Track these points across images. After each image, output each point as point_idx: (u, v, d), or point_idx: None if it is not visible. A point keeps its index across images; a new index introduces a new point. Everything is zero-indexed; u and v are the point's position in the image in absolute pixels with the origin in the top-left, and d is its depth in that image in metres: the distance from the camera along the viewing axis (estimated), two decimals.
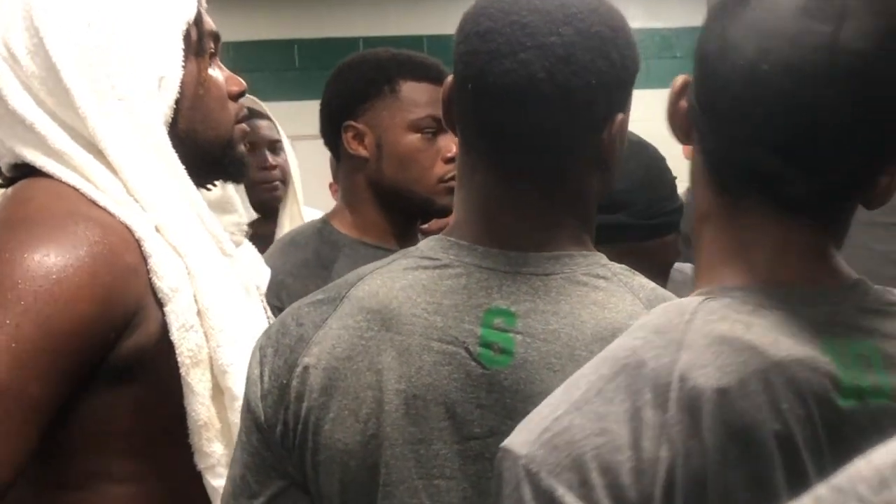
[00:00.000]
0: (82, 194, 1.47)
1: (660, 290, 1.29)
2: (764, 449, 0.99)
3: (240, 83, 1.68)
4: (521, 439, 1.02)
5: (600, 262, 1.29)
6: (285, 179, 3.43)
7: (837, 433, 1.02)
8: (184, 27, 1.56)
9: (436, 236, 1.32)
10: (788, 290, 1.08)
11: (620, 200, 1.76)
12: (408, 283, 1.27)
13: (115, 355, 1.42)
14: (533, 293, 1.24)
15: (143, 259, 1.44)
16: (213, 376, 1.48)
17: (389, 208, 2.34)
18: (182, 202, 1.54)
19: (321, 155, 3.49)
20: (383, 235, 2.33)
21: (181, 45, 1.55)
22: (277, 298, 2.12)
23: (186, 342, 1.45)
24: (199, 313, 1.48)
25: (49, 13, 1.49)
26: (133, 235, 1.44)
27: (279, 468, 1.30)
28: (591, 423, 1.00)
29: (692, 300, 1.08)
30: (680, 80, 1.15)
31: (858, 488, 0.48)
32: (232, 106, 1.66)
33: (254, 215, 3.34)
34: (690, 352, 1.02)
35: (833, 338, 1.05)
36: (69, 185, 1.47)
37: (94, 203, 1.46)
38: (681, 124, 1.15)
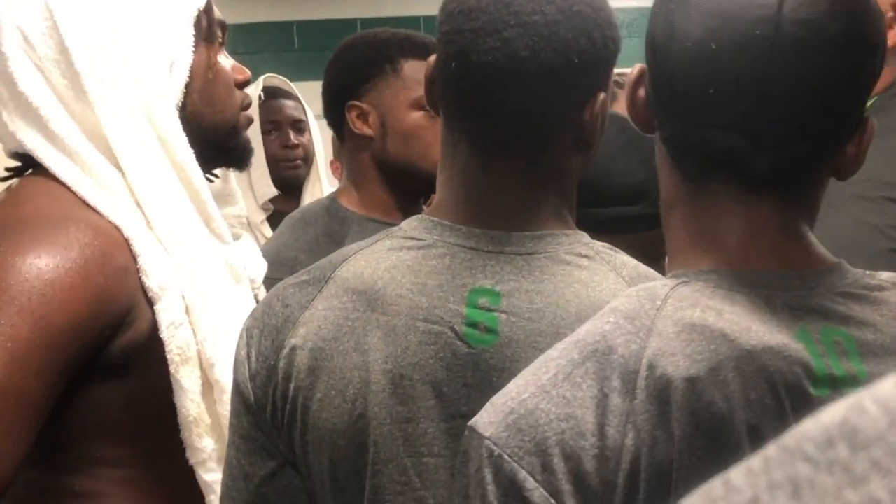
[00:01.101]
0: (74, 193, 1.46)
1: (642, 267, 1.27)
2: (732, 439, 0.96)
3: (245, 72, 1.69)
4: (487, 419, 1.00)
5: (582, 240, 1.28)
6: (308, 158, 3.45)
7: None
8: (195, 14, 1.57)
9: (418, 216, 1.32)
10: (761, 274, 1.04)
11: (642, 190, 1.74)
12: (392, 264, 1.26)
13: (109, 352, 1.42)
14: (517, 273, 1.23)
15: (133, 258, 1.44)
16: (203, 372, 1.48)
17: (395, 185, 2.33)
18: (181, 192, 1.53)
19: (321, 133, 3.50)
20: (389, 212, 2.32)
21: (192, 31, 1.56)
22: (292, 273, 2.10)
23: (175, 340, 1.45)
24: (186, 309, 1.47)
25: None
26: (122, 235, 1.44)
27: (271, 448, 1.29)
28: (557, 407, 0.98)
29: (664, 285, 1.05)
30: (636, 69, 1.12)
31: (805, 447, 0.47)
32: (238, 93, 1.67)
33: (274, 192, 3.36)
34: (660, 339, 0.99)
35: (807, 324, 1.01)
36: (62, 183, 1.47)
37: (85, 203, 1.46)
38: (641, 114, 1.13)
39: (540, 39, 1.20)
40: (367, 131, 2.31)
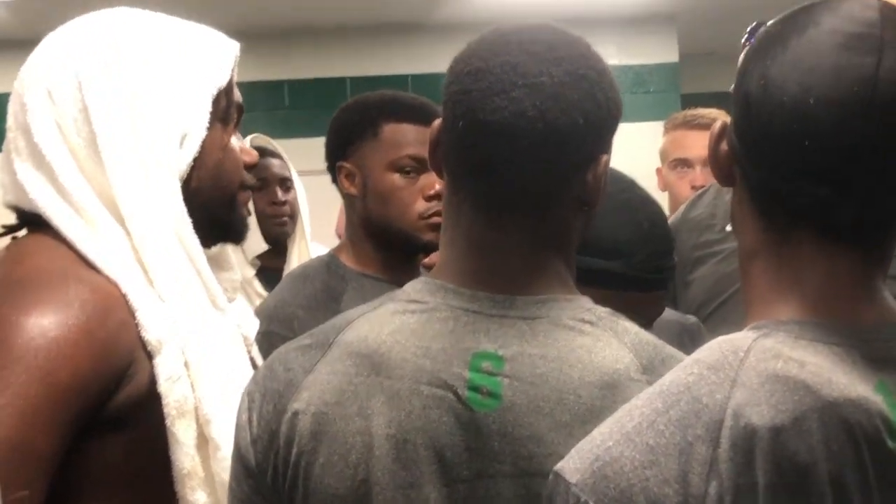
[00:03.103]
0: (73, 248, 1.45)
1: (643, 333, 1.25)
2: (816, 489, 0.97)
3: (253, 155, 1.69)
4: (573, 465, 1.01)
5: (585, 305, 1.25)
6: (294, 215, 3.49)
7: (887, 476, 0.99)
8: (214, 92, 1.57)
9: (422, 278, 1.29)
10: (841, 325, 1.06)
11: (622, 250, 1.71)
12: (396, 328, 1.23)
13: (111, 406, 1.39)
14: (520, 337, 1.20)
15: (132, 313, 1.43)
16: (199, 426, 1.46)
17: (382, 244, 2.34)
18: (181, 256, 1.52)
19: (309, 191, 3.49)
20: (383, 270, 2.33)
21: (209, 108, 1.56)
22: (290, 329, 2.12)
23: (173, 394, 1.43)
24: (186, 364, 1.45)
25: (91, 58, 1.50)
26: (120, 291, 1.43)
27: None
28: (641, 454, 0.98)
29: (746, 337, 1.06)
30: (718, 124, 1.15)
31: None
32: (243, 175, 1.67)
33: (264, 247, 3.37)
34: (744, 390, 1.00)
35: (885, 377, 1.03)
36: (61, 240, 1.46)
37: (84, 259, 1.44)
38: (723, 167, 1.15)
39: (547, 100, 1.19)
40: (353, 191, 2.34)
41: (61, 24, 1.56)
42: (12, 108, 1.53)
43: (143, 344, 1.42)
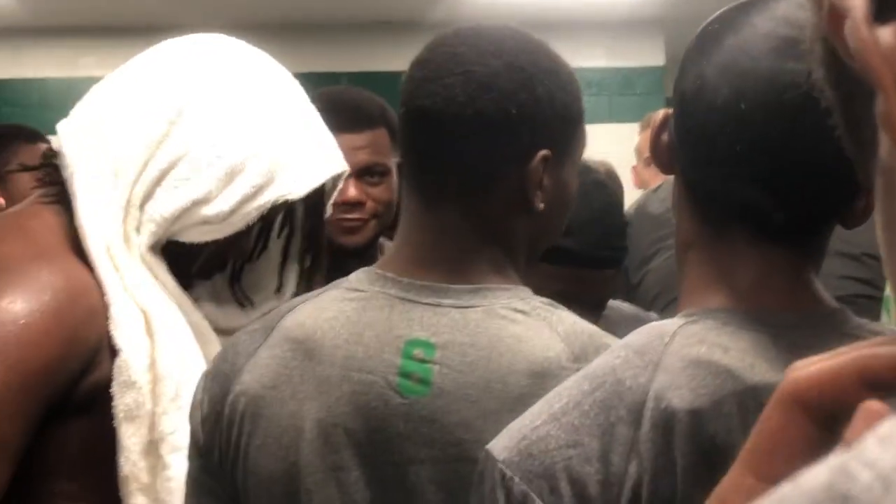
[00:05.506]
0: (72, 224, 1.43)
1: (580, 323, 1.23)
2: None
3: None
4: (502, 444, 1.01)
5: (520, 295, 1.24)
6: None
7: None
8: (275, 200, 1.51)
9: (366, 268, 1.29)
10: (769, 314, 1.05)
11: (573, 227, 1.71)
12: (333, 315, 1.23)
13: (76, 392, 1.39)
14: (452, 325, 1.20)
15: (104, 304, 1.40)
16: (153, 436, 1.43)
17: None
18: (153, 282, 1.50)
19: None
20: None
21: (257, 213, 1.51)
22: None
23: (123, 398, 1.40)
24: (152, 370, 1.42)
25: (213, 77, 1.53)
26: (94, 277, 1.41)
27: (219, 492, 1.26)
28: (565, 434, 0.99)
29: (673, 323, 1.06)
30: (661, 114, 1.14)
31: None
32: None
33: None
34: (666, 373, 1.00)
35: None
36: (61, 211, 1.45)
37: (74, 237, 1.43)
38: (663, 156, 1.14)
39: (478, 88, 1.19)
40: None
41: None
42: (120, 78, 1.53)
43: (110, 336, 1.41)
